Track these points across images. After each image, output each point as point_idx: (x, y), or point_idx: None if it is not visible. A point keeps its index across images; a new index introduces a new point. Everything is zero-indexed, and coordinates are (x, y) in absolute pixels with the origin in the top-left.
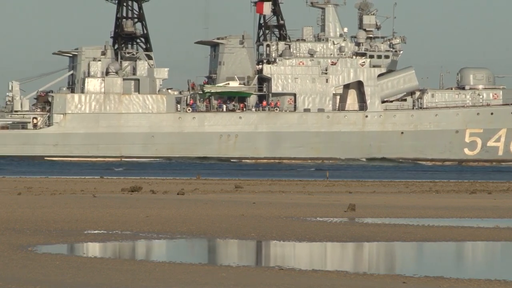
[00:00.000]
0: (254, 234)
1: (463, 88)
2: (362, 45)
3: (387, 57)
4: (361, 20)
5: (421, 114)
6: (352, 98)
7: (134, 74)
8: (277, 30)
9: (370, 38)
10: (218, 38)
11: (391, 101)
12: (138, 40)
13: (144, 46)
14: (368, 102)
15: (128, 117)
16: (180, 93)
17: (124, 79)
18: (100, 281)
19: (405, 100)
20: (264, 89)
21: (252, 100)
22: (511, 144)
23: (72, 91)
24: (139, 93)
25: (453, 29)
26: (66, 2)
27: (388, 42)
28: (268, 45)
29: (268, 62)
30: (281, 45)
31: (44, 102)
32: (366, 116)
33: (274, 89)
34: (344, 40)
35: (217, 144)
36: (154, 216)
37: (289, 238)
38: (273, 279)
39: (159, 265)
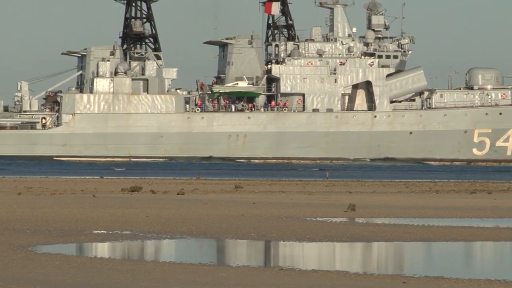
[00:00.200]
0: (254, 234)
1: (472, 88)
2: (371, 45)
3: (395, 57)
4: (369, 20)
5: (430, 114)
6: (360, 98)
7: (143, 74)
8: (285, 30)
9: (379, 38)
10: (226, 38)
11: (400, 101)
12: (147, 40)
13: (152, 46)
14: (376, 102)
15: (137, 117)
16: (188, 93)
17: (133, 79)
18: (100, 281)
19: (414, 100)
20: (273, 89)
21: (261, 100)
22: None
23: (81, 91)
24: (147, 93)
25: (462, 29)
26: (75, 3)
27: (397, 42)
28: (276, 45)
29: (277, 62)
30: (290, 45)
31: (53, 102)
32: (375, 116)
33: (282, 89)
34: (353, 40)
35: (226, 144)
36: (154, 216)
37: (289, 238)
38: (273, 279)
39: (159, 265)
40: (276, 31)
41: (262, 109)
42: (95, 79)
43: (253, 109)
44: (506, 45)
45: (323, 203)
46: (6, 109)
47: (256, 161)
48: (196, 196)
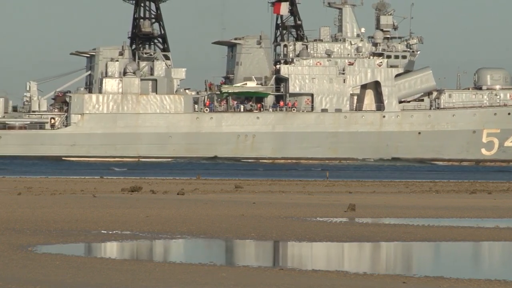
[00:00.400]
0: (254, 234)
1: (480, 88)
2: (379, 45)
3: (404, 57)
4: (378, 20)
5: (438, 114)
6: (369, 98)
7: (151, 74)
8: (294, 30)
9: (387, 38)
10: (235, 39)
11: (409, 102)
12: (155, 41)
13: (161, 47)
14: (385, 102)
15: (145, 117)
16: (197, 93)
17: (141, 80)
18: (100, 281)
19: (422, 100)
20: (282, 89)
21: (270, 100)
22: None
23: (90, 91)
24: (156, 93)
25: (470, 30)
26: (83, 3)
27: (405, 43)
28: (285, 46)
29: (286, 63)
30: (299, 45)
31: (61, 102)
32: (384, 116)
33: (291, 89)
34: (361, 40)
35: (235, 144)
36: (154, 216)
37: (289, 238)
38: (273, 279)
39: (159, 265)
40: (284, 31)
41: (271, 109)
42: (104, 79)
43: (261, 109)
44: None
45: (323, 203)
46: (15, 109)
47: (265, 161)
48: (196, 196)
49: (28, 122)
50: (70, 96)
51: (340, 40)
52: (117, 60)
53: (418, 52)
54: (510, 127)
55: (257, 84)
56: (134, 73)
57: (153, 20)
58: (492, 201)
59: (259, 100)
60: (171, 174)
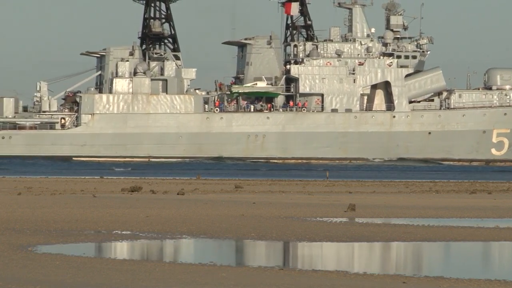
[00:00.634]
0: (254, 234)
1: (490, 89)
2: (389, 45)
3: (414, 57)
4: (388, 20)
5: (449, 114)
6: (379, 98)
7: (162, 74)
8: (304, 30)
9: (397, 38)
10: (245, 39)
11: (419, 102)
12: (165, 41)
13: (171, 47)
14: (395, 102)
15: (156, 118)
16: (207, 93)
17: (152, 80)
18: (100, 281)
19: (432, 100)
20: (292, 90)
21: (280, 100)
22: None
23: (100, 92)
24: (167, 93)
25: (480, 30)
26: (93, 3)
27: (415, 43)
28: (295, 46)
29: (296, 63)
30: (309, 45)
31: (72, 102)
32: (394, 117)
33: (301, 90)
34: (371, 40)
35: (245, 144)
36: (154, 216)
37: (289, 238)
38: (273, 279)
39: (159, 265)
40: (294, 32)
41: (281, 109)
42: (114, 79)
43: (271, 109)
44: None
45: (323, 203)
46: (25, 109)
47: (275, 161)
48: (196, 196)
49: (39, 122)
50: (80, 96)
51: (350, 40)
52: (127, 60)
53: (428, 52)
54: None
55: (267, 84)
56: (144, 73)
57: (163, 20)
58: (492, 201)
59: (269, 100)
60: (171, 174)
